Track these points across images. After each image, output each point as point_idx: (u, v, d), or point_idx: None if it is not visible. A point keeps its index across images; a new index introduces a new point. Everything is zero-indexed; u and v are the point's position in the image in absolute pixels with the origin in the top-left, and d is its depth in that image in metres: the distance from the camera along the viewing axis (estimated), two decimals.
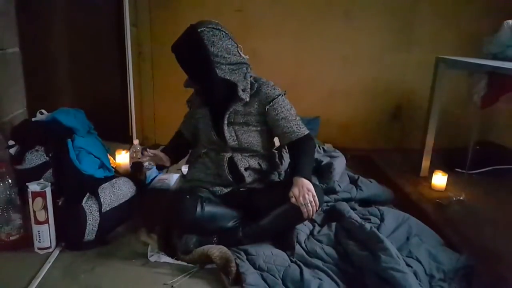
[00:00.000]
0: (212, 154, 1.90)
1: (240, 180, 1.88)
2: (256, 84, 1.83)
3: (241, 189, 1.90)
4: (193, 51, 1.71)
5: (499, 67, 2.16)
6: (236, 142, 1.84)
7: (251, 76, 1.84)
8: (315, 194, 1.70)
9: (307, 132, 1.86)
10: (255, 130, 1.86)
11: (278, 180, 1.99)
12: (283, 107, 1.83)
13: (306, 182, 1.72)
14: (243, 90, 1.78)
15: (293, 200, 1.70)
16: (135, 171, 2.28)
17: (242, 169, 1.85)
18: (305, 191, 1.69)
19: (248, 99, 1.79)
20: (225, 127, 1.82)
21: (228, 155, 1.85)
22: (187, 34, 1.73)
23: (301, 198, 1.68)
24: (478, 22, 3.05)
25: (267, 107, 1.81)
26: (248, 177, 1.87)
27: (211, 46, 1.69)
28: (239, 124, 1.84)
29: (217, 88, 1.78)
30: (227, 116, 1.82)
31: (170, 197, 1.94)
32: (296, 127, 1.84)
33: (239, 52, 1.79)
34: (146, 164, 2.58)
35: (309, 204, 1.69)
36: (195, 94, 1.96)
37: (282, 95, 1.85)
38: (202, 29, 1.69)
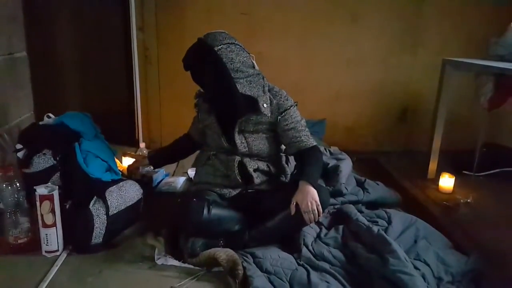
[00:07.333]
0: (222, 156, 1.90)
1: (249, 181, 1.88)
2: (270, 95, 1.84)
3: (249, 190, 1.90)
4: (211, 70, 1.71)
5: (507, 69, 2.15)
6: (247, 148, 1.85)
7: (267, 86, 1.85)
8: (319, 203, 1.68)
9: (315, 143, 1.87)
10: (265, 137, 1.87)
11: (286, 182, 1.98)
12: (293, 118, 1.84)
13: (312, 190, 1.69)
14: (264, 105, 1.78)
15: (292, 206, 1.69)
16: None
17: (251, 170, 1.86)
18: (309, 199, 1.67)
19: (269, 114, 1.80)
20: (236, 135, 1.83)
21: (238, 158, 1.85)
22: (203, 52, 1.72)
23: (303, 205, 1.67)
24: (484, 24, 3.05)
25: (279, 117, 1.82)
26: (257, 178, 1.88)
27: (231, 63, 1.70)
28: (250, 132, 1.85)
29: (238, 102, 1.75)
30: (238, 124, 1.82)
31: (177, 200, 1.94)
32: (305, 137, 1.85)
33: (253, 63, 1.80)
34: (147, 168, 2.59)
35: (311, 213, 1.68)
36: (203, 101, 1.94)
37: (294, 106, 1.86)
38: (219, 47, 1.69)
